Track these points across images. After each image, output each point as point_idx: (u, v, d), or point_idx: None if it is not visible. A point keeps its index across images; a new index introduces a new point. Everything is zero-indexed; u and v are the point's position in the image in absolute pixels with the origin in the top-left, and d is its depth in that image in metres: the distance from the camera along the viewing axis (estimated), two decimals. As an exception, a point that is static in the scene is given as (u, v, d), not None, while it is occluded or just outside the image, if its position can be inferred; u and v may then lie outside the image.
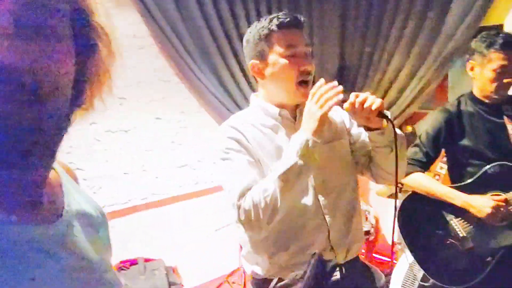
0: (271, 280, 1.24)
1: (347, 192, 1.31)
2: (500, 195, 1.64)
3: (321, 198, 1.25)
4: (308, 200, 1.23)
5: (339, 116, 1.38)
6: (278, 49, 1.20)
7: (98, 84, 0.53)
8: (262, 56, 1.23)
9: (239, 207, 1.11)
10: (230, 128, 1.23)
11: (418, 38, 2.97)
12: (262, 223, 1.11)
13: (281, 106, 1.26)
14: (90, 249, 0.57)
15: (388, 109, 3.33)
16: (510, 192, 1.63)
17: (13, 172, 0.46)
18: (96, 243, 0.60)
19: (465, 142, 1.73)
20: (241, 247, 1.39)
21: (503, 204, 1.60)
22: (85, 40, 0.49)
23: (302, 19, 1.24)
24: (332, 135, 1.30)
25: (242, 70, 3.08)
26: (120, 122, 2.62)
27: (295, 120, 1.27)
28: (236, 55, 3.02)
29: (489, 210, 1.59)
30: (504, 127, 1.69)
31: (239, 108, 3.15)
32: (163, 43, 2.71)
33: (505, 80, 1.61)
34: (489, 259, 1.66)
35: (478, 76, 1.71)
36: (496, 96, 1.66)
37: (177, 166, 2.93)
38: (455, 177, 1.79)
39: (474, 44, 1.73)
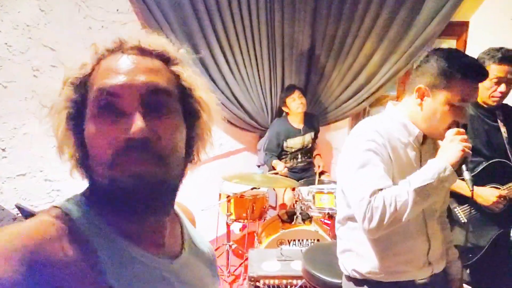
0: (369, 281, 1.31)
1: (439, 215, 1.40)
2: (498, 187, 1.86)
3: (428, 218, 1.33)
4: (419, 217, 1.31)
5: None
6: (452, 95, 1.20)
7: (203, 141, 0.66)
8: (433, 89, 1.23)
9: (369, 203, 1.15)
10: (375, 132, 1.24)
11: (390, 28, 3.11)
12: (383, 224, 1.14)
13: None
14: (202, 283, 0.70)
15: (357, 93, 3.48)
16: (507, 184, 1.85)
17: (146, 217, 0.58)
18: (207, 278, 0.72)
19: None
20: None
21: (505, 194, 1.82)
22: (190, 110, 0.63)
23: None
24: None
25: (222, 50, 3.02)
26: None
27: (421, 144, 1.32)
28: (215, 32, 2.96)
29: (494, 199, 1.82)
30: (498, 129, 1.92)
31: (218, 88, 3.09)
32: (146, 19, 2.57)
33: (499, 89, 1.84)
34: (484, 241, 1.89)
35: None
36: (491, 102, 1.87)
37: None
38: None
39: (477, 56, 1.95)
